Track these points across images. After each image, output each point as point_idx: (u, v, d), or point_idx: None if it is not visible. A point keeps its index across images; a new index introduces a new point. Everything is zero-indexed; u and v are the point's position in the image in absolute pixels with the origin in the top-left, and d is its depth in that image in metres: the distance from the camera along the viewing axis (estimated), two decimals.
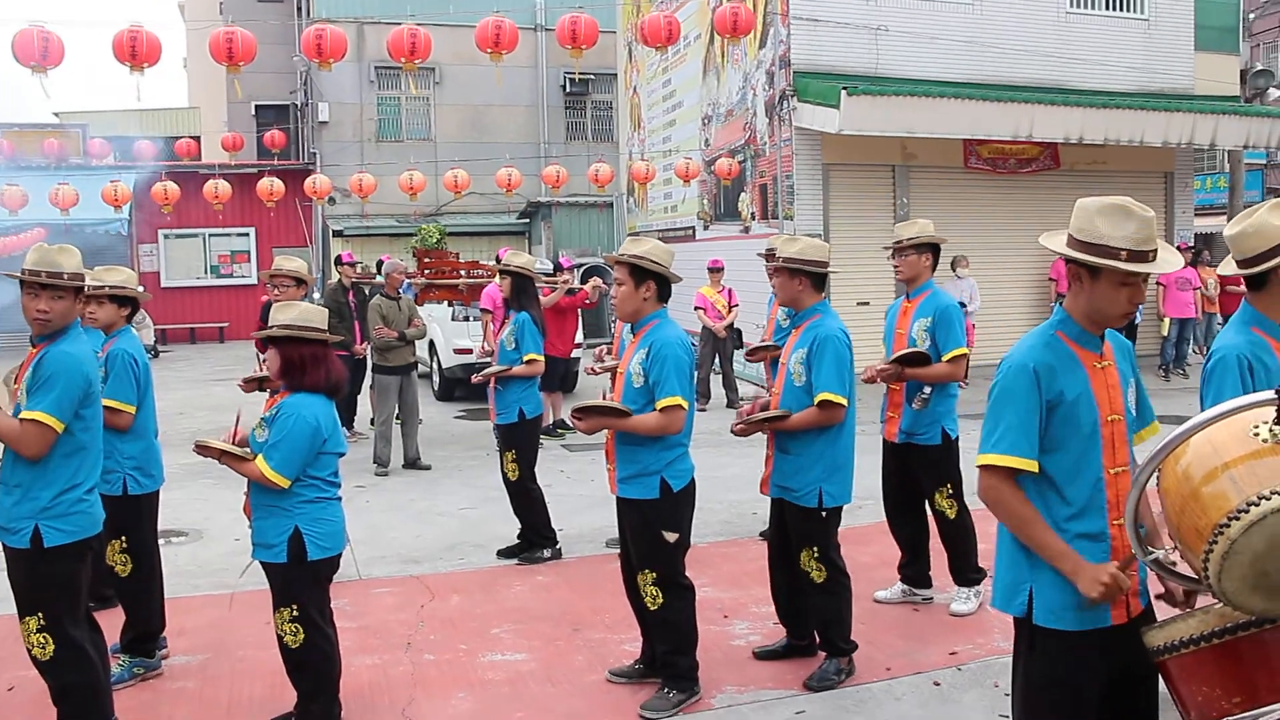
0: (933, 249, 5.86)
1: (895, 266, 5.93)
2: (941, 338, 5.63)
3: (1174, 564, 2.82)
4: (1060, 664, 2.96)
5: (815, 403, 4.83)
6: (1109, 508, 2.96)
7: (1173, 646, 2.71)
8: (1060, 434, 2.94)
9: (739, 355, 12.76)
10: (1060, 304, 3.09)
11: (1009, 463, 2.93)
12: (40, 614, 4.05)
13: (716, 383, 13.52)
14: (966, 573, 5.85)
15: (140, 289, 5.52)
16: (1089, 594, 2.83)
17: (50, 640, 4.05)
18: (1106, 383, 3.01)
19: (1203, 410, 2.84)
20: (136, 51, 9.26)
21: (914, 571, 6.01)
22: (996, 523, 3.08)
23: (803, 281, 5.02)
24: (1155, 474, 2.62)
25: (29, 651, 4.11)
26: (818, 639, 5.11)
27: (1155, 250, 2.88)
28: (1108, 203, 2.90)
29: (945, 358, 5.61)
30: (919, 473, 5.84)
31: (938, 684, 4.88)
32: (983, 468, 2.98)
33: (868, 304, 14.74)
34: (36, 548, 4.01)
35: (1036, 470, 2.94)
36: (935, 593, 6.02)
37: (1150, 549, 2.80)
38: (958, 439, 5.79)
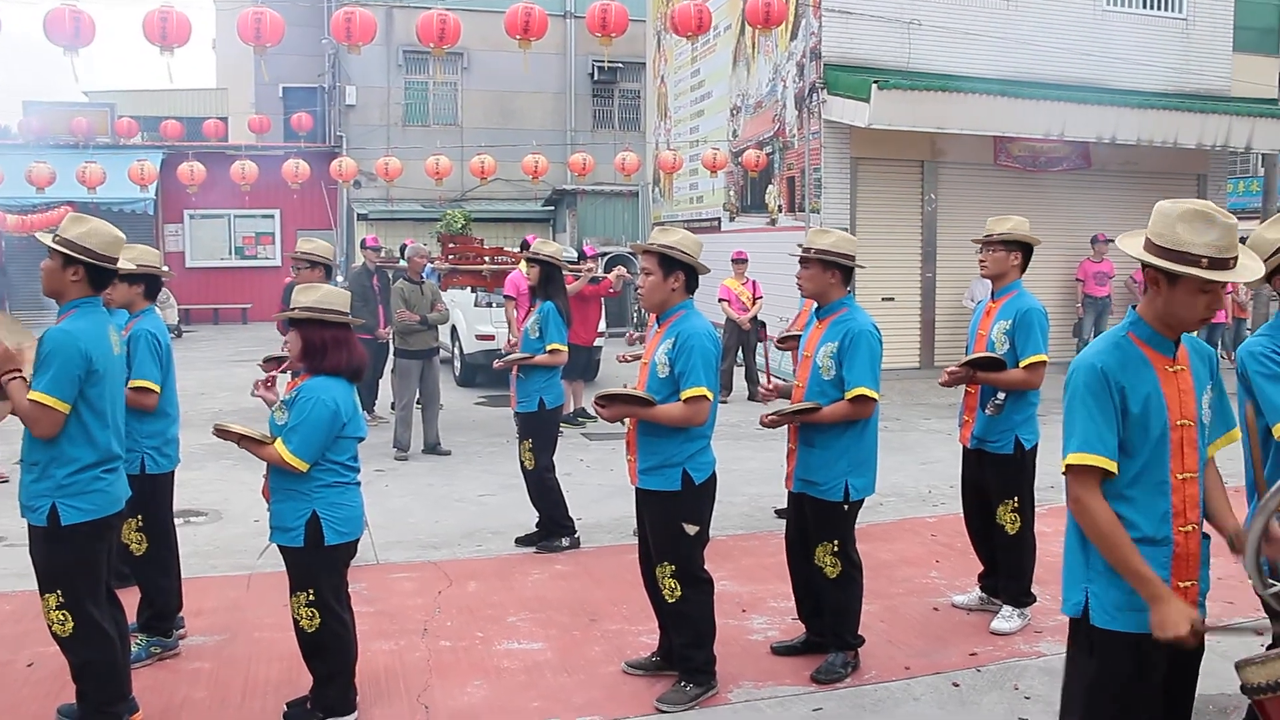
0: (1022, 248, 5.57)
1: (980, 260, 5.70)
2: (1020, 342, 5.36)
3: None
4: (1123, 665, 2.91)
5: (848, 397, 4.76)
6: (1174, 514, 2.90)
7: (1275, 685, 2.59)
8: (1131, 436, 2.90)
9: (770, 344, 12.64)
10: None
11: (1086, 460, 2.88)
12: (59, 591, 4.05)
13: (738, 375, 13.47)
14: (1017, 593, 5.56)
15: (165, 268, 5.47)
16: (1156, 630, 2.79)
17: (69, 617, 4.05)
18: (1179, 387, 2.95)
19: (1240, 412, 2.78)
20: (167, 32, 9.27)
21: (994, 582, 5.74)
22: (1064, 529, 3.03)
23: (835, 274, 4.94)
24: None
25: (49, 628, 4.11)
26: None
27: (1236, 257, 2.83)
28: (1189, 208, 2.83)
29: (1022, 364, 5.33)
30: (987, 481, 5.60)
31: (957, 685, 4.83)
32: (1068, 473, 2.93)
33: (893, 299, 14.68)
34: (54, 526, 4.00)
35: (1115, 471, 2.88)
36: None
37: (1272, 582, 2.71)
38: (1034, 449, 5.52)
